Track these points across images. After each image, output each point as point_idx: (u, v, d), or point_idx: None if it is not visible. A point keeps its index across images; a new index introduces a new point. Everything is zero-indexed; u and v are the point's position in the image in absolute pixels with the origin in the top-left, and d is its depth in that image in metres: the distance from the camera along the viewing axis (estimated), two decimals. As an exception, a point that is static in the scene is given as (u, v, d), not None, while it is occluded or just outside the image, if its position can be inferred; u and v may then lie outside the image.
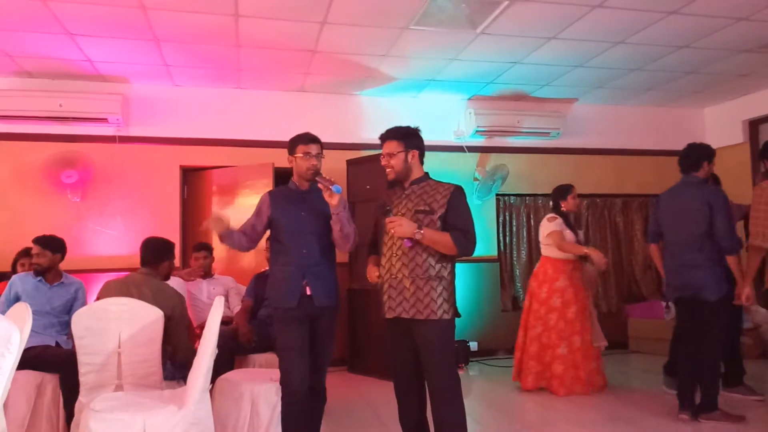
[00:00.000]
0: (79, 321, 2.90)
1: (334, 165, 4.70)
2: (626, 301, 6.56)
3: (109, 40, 4.42)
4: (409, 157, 2.69)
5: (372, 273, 2.79)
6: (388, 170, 2.73)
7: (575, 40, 4.62)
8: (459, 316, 2.66)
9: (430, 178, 2.76)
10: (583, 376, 4.38)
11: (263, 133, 5.68)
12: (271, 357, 3.94)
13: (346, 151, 5.74)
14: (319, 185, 2.75)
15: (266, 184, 5.48)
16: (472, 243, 2.65)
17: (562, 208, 4.60)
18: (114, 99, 5.08)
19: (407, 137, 2.71)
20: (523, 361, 4.57)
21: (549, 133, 6.12)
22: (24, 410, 3.27)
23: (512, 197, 6.42)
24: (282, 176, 5.44)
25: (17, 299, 3.51)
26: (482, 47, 4.71)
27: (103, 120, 5.08)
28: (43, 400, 3.34)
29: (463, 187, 2.74)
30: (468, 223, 2.64)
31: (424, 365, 2.61)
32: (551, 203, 4.77)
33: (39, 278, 3.65)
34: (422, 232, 2.55)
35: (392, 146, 2.70)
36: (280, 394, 2.89)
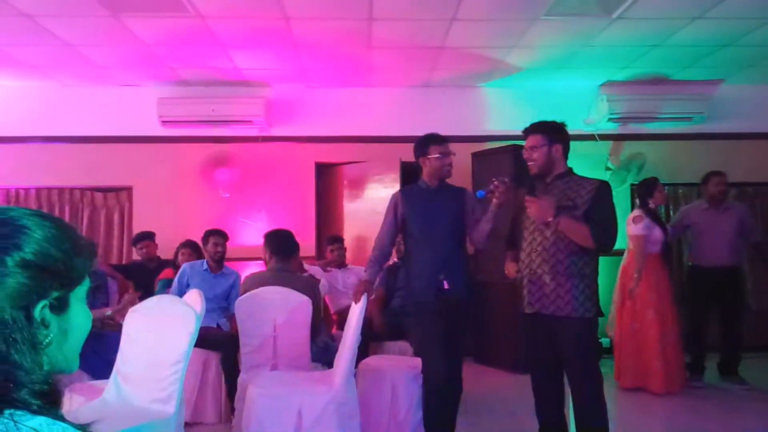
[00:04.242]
0: (241, 307, 3.25)
1: (458, 159, 4.71)
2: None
3: (254, 49, 4.82)
4: (553, 151, 2.67)
5: (510, 268, 2.83)
6: (530, 164, 2.72)
7: (725, 18, 4.26)
8: (602, 315, 2.62)
9: (574, 174, 2.73)
10: (675, 372, 4.33)
11: (390, 128, 5.86)
12: (404, 345, 4.13)
13: (471, 144, 5.75)
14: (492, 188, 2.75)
15: (393, 178, 5.67)
16: (611, 238, 2.59)
17: (650, 205, 4.47)
18: (257, 102, 5.52)
19: (551, 131, 2.70)
20: (621, 360, 4.49)
21: (692, 117, 5.69)
22: (193, 383, 3.72)
23: (649, 187, 6.05)
24: (409, 170, 5.61)
25: (188, 285, 3.99)
26: (618, 32, 4.50)
27: (249, 122, 5.54)
28: (209, 375, 3.78)
29: (609, 183, 2.69)
30: (609, 218, 2.60)
31: (565, 363, 2.61)
32: (637, 200, 4.62)
33: (205, 268, 4.12)
34: (559, 218, 2.53)
35: (536, 140, 2.69)
36: (418, 381, 3.05)
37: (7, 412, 0.67)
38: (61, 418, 0.71)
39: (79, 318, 0.81)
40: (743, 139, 6.00)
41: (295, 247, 3.68)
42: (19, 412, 0.68)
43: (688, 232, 4.81)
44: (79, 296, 0.81)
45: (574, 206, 2.58)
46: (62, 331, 0.78)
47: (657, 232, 4.39)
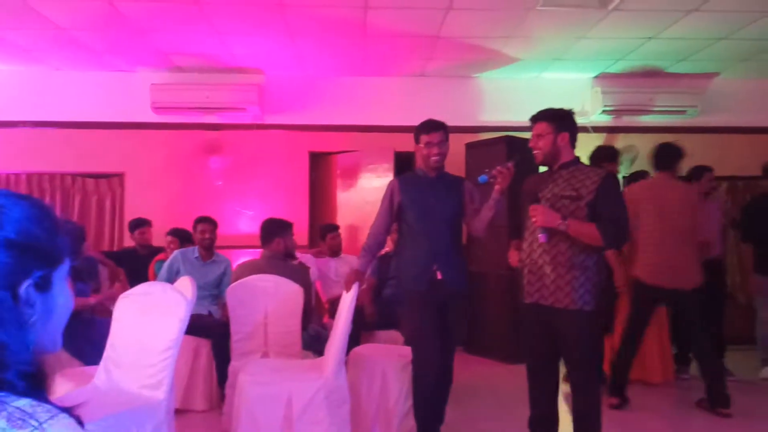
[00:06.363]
0: (233, 294, 3.25)
1: (452, 149, 4.67)
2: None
3: (249, 36, 4.78)
4: (559, 139, 2.61)
5: (513, 257, 2.82)
6: (535, 152, 2.66)
7: (720, 11, 4.26)
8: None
9: (581, 163, 2.66)
10: (669, 362, 4.43)
11: (384, 118, 5.84)
12: (395, 334, 4.14)
13: (465, 135, 5.74)
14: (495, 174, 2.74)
15: (387, 168, 5.66)
16: (622, 235, 2.54)
17: None
18: (251, 90, 5.48)
19: (558, 119, 2.63)
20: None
21: (685, 111, 5.71)
22: (183, 370, 3.72)
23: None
24: (402, 160, 5.60)
25: (178, 272, 3.99)
26: (614, 24, 4.49)
27: (242, 109, 5.51)
28: (199, 362, 3.78)
29: (616, 174, 2.64)
30: (619, 213, 2.52)
31: (564, 356, 2.59)
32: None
33: (196, 255, 4.11)
34: (567, 223, 2.46)
35: (542, 127, 2.63)
36: (408, 370, 3.06)
37: None
38: (47, 400, 0.71)
39: (62, 297, 0.81)
40: (736, 133, 6.02)
41: (270, 232, 3.65)
42: (3, 393, 0.68)
43: None
44: (61, 275, 0.81)
45: (578, 196, 2.51)
46: (46, 310, 0.78)
47: None
